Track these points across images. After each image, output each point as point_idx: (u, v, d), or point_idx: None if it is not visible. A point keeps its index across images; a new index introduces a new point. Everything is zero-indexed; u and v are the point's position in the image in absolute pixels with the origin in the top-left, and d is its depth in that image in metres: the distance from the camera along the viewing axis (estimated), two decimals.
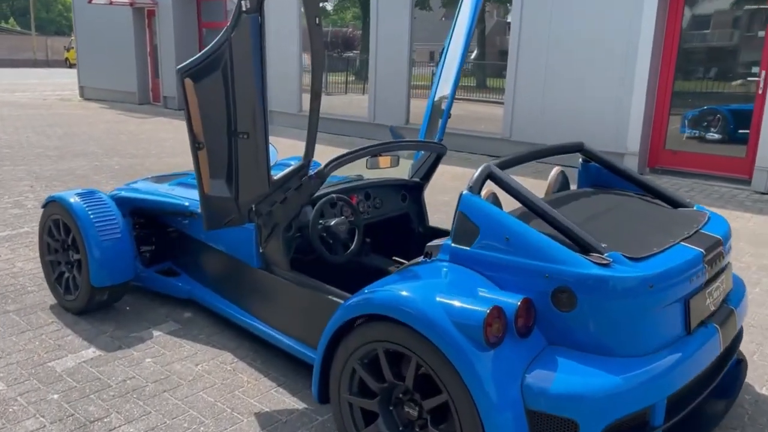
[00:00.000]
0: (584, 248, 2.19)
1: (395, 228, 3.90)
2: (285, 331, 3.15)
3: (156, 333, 3.61)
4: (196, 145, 2.79)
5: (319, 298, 2.93)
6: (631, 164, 8.24)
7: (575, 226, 2.23)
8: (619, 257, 2.13)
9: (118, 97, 17.22)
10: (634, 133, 8.15)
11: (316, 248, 3.12)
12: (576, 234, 2.20)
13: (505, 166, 2.55)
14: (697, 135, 8.19)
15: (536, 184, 7.63)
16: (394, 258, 3.44)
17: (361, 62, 12.33)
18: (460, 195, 2.39)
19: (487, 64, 11.20)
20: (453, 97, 3.73)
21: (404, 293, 2.18)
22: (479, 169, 2.45)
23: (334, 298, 2.86)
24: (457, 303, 2.08)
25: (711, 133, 8.07)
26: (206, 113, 2.76)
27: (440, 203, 6.76)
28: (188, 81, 2.71)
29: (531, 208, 2.33)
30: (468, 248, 2.33)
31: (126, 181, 7.03)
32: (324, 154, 9.82)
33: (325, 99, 12.99)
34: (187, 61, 2.70)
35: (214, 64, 2.71)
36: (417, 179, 3.88)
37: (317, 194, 3.29)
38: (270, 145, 3.31)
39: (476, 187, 2.39)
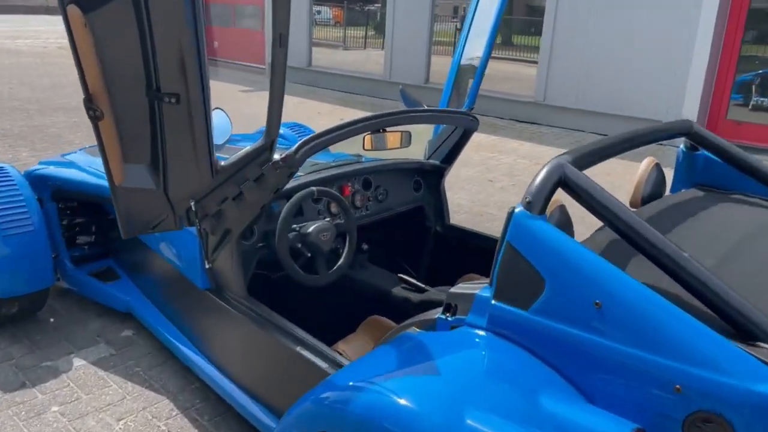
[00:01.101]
0: (746, 332, 1.18)
1: (404, 226, 2.90)
2: (238, 382, 2.20)
3: (77, 362, 2.68)
4: (92, 113, 1.79)
5: (281, 346, 1.96)
6: None
7: (722, 283, 1.22)
8: None
9: None
10: (692, 100, 6.98)
11: (285, 266, 2.14)
12: (730, 302, 1.19)
13: (584, 162, 1.51)
14: (764, 104, 7.01)
15: None
16: (400, 276, 2.46)
17: (381, 15, 11.14)
18: (510, 213, 1.38)
19: (514, 19, 9.97)
20: (488, 56, 2.67)
21: (403, 401, 1.20)
22: (545, 170, 1.41)
23: (304, 352, 1.89)
24: None
25: None
26: (108, 62, 1.75)
27: (463, 180, 5.70)
28: (74, 11, 1.68)
29: (635, 242, 1.31)
30: (524, 312, 1.33)
31: None
32: (332, 116, 8.77)
33: (341, 53, 11.92)
34: None
35: None
36: (436, 162, 2.86)
37: (291, 185, 2.29)
38: (220, 113, 2.31)
39: (539, 203, 1.36)
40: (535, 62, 8.37)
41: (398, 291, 2.40)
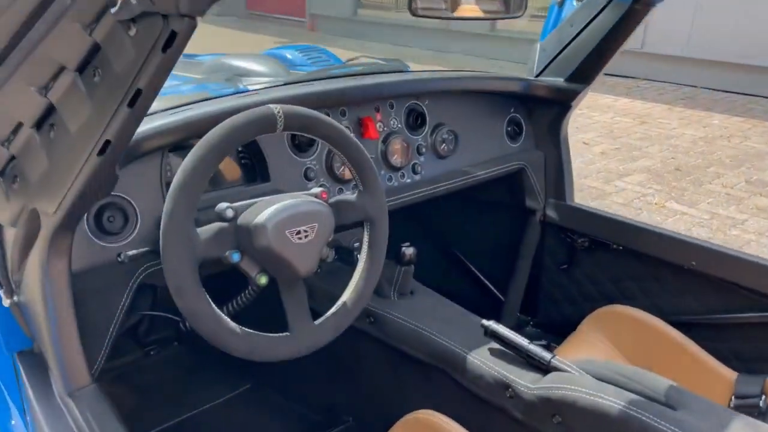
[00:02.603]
0: None
1: (487, 206, 1.53)
2: None
3: None
4: None
5: None
6: None
7: None
8: None
9: None
10: None
11: (187, 313, 0.80)
12: None
13: None
14: None
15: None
16: (485, 325, 1.10)
17: None
18: None
19: None
20: None
21: None
22: None
23: None
24: None
25: None
26: None
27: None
28: None
29: None
30: None
31: None
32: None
33: (392, 15, 10.51)
34: None
35: None
36: (556, 80, 1.45)
37: (233, 104, 0.94)
38: None
39: None
40: None
41: (482, 358, 1.04)
